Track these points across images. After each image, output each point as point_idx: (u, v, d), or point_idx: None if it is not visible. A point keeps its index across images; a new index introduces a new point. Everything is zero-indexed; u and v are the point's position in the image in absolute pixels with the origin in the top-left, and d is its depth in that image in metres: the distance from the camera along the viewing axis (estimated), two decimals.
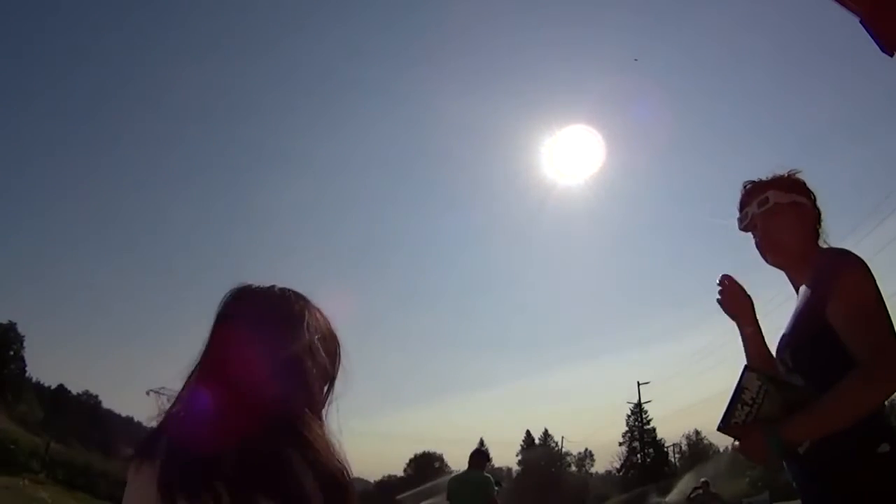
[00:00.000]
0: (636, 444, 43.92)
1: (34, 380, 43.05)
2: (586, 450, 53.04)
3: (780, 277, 1.77)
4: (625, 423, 44.50)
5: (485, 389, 69.01)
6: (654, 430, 43.55)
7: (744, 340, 1.87)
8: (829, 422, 1.41)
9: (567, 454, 52.09)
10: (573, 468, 53.24)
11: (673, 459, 44.79)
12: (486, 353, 72.47)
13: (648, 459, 42.50)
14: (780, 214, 1.69)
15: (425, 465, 48.56)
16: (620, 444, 45.23)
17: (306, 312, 1.07)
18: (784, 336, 1.66)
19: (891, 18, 1.74)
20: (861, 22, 1.75)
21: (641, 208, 61.92)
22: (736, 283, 1.88)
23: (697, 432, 46.72)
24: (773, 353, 1.73)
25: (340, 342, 1.12)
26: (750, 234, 1.78)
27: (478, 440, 39.65)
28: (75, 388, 46.94)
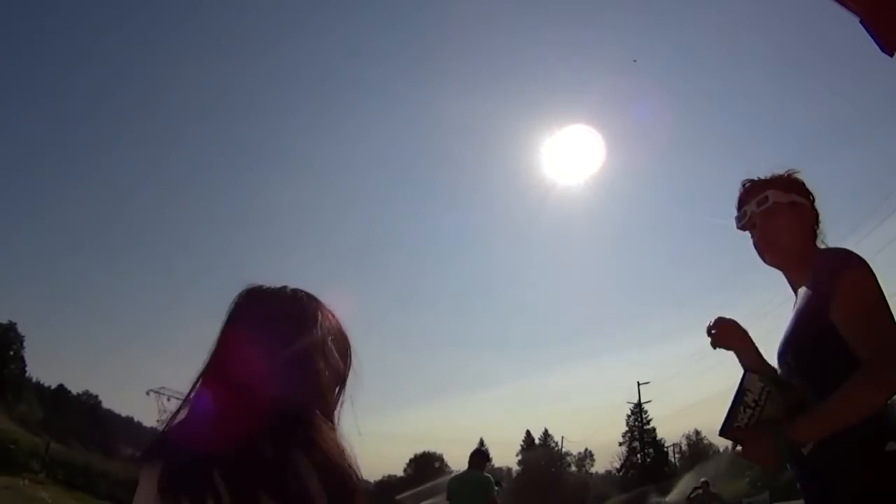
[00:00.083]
0: (636, 444, 43.91)
1: (34, 380, 43.13)
2: (586, 450, 53.16)
3: (779, 278, 1.76)
4: (625, 423, 44.58)
5: (485, 389, 69.11)
6: (654, 430, 43.60)
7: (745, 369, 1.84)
8: (834, 421, 1.41)
9: (567, 454, 52.19)
10: (573, 468, 53.24)
11: (673, 459, 44.78)
12: (486, 353, 72.61)
13: (648, 459, 42.49)
14: (779, 214, 1.69)
15: (425, 465, 48.57)
16: (620, 444, 45.32)
17: (319, 313, 1.06)
18: (786, 336, 1.66)
19: (891, 18, 1.74)
20: (861, 22, 1.75)
21: (641, 208, 62.17)
22: (726, 323, 1.83)
23: (697, 432, 46.79)
24: (775, 354, 1.73)
25: (351, 343, 1.12)
26: (748, 234, 1.77)
27: (478, 440, 39.75)
28: (75, 388, 47.04)
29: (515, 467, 50.77)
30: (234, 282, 1.09)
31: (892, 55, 1.74)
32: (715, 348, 1.83)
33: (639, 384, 40.58)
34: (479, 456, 6.16)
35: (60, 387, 45.07)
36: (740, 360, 1.81)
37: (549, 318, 75.22)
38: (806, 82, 58.42)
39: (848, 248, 1.62)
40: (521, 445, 51.93)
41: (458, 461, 28.56)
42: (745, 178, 1.79)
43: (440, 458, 50.47)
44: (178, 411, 0.99)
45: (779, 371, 1.67)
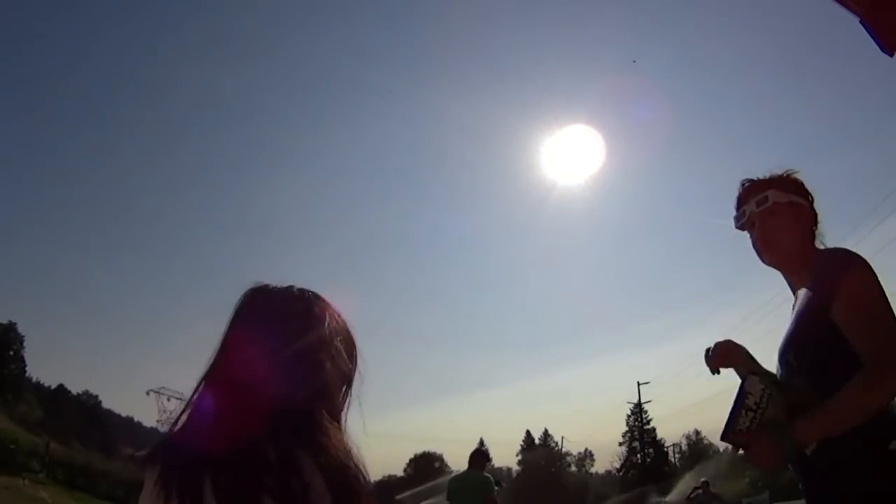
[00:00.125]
0: (636, 444, 43.87)
1: (34, 380, 43.19)
2: (586, 450, 53.18)
3: (779, 278, 1.76)
4: (625, 423, 44.55)
5: (485, 389, 69.20)
6: (654, 430, 43.57)
7: None
8: (838, 422, 1.41)
9: (567, 454, 52.19)
10: (573, 468, 53.27)
11: (673, 459, 44.75)
12: (486, 353, 72.61)
13: (648, 459, 42.46)
14: (778, 214, 1.69)
15: (425, 465, 48.56)
16: (620, 444, 45.27)
17: (327, 313, 1.05)
18: (787, 336, 1.65)
19: (891, 18, 1.74)
20: (861, 22, 1.75)
21: (641, 208, 62.04)
22: (723, 345, 1.81)
23: (697, 432, 46.79)
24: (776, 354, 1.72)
25: (357, 344, 1.10)
26: (746, 233, 1.77)
27: (478, 440, 39.74)
28: (75, 388, 47.10)
29: (515, 467, 50.85)
30: (235, 282, 1.08)
31: (892, 55, 1.74)
32: (714, 374, 1.80)
33: (639, 384, 40.63)
34: (479, 456, 6.16)
35: (60, 387, 45.13)
36: (738, 373, 1.79)
37: (549, 318, 75.31)
38: (806, 82, 58.56)
39: (848, 248, 1.62)
40: (521, 445, 51.95)
41: (458, 461, 28.59)
42: (745, 177, 1.79)
43: (440, 458, 50.53)
44: (183, 411, 0.98)
45: (780, 371, 1.67)
